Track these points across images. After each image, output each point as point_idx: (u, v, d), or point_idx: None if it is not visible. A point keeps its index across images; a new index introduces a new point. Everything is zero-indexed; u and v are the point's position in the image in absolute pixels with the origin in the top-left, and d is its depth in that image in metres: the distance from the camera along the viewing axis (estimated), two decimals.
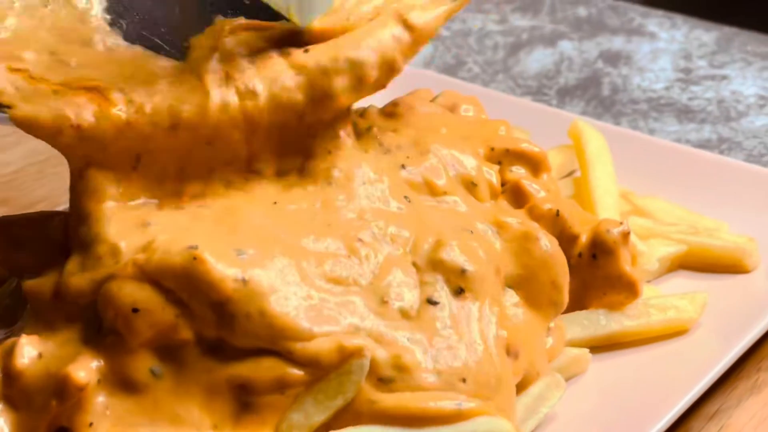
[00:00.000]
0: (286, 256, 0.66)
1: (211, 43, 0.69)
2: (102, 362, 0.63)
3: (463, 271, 0.69)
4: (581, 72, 1.20)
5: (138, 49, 0.70)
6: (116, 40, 0.70)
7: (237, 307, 0.63)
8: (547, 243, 0.73)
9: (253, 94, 0.68)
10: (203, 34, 0.70)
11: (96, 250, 0.65)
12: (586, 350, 0.74)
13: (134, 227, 0.66)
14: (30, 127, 0.64)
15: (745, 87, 1.16)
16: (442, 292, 0.68)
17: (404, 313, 0.67)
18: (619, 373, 0.74)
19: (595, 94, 1.16)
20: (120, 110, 0.65)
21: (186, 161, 0.68)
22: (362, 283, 0.67)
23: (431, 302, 0.68)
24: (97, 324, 0.65)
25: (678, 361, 0.75)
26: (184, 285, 0.64)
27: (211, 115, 0.67)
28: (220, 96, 0.67)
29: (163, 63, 0.69)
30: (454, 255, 0.69)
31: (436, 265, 0.69)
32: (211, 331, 0.64)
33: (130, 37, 0.70)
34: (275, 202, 0.70)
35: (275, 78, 0.68)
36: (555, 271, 0.73)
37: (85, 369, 0.62)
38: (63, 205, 0.87)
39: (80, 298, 0.65)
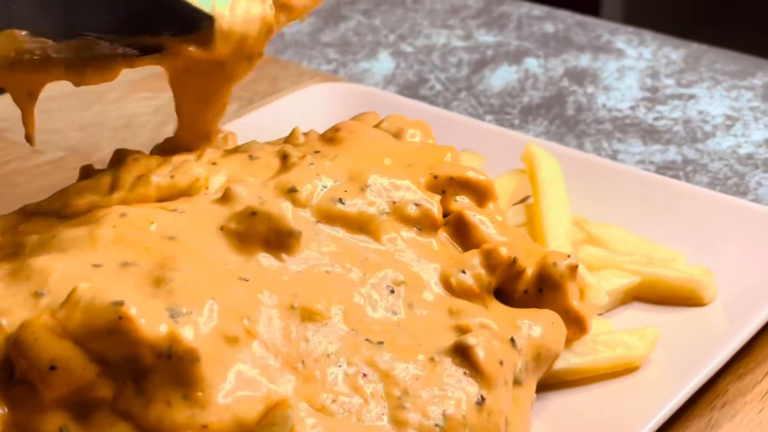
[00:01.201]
0: (240, 338, 0.62)
1: None
2: (7, 411, 0.59)
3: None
4: (546, 90, 1.17)
5: None
6: None
7: (157, 389, 0.59)
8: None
9: None
10: None
11: None
12: None
13: (25, 296, 0.62)
14: None
15: (712, 107, 1.13)
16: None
17: None
18: (565, 413, 0.71)
19: (559, 113, 1.13)
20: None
21: None
22: (383, 422, 0.63)
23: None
24: (10, 369, 0.61)
25: (627, 400, 0.72)
26: (108, 346, 0.59)
27: None
28: None
29: None
30: (481, 357, 0.66)
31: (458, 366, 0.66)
32: (125, 404, 0.60)
33: None
34: (246, 279, 0.65)
35: None
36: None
37: None
38: None
39: None
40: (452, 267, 0.71)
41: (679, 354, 0.75)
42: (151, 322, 0.59)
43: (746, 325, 0.76)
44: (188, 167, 0.72)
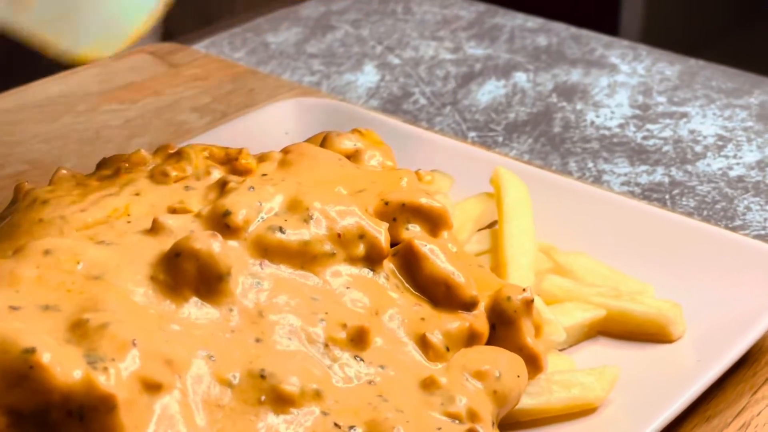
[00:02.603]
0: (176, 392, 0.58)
1: None
2: None
3: None
4: (533, 106, 1.13)
5: None
6: None
7: None
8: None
9: None
10: None
11: None
12: None
13: None
14: None
15: (704, 126, 1.09)
16: None
17: None
18: None
19: (545, 130, 1.09)
20: None
21: None
22: None
23: None
24: None
25: None
26: (19, 397, 0.55)
27: None
28: None
29: None
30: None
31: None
32: None
33: None
34: (213, 357, 0.61)
35: None
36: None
37: None
38: None
39: None
40: (431, 331, 0.67)
41: (642, 394, 0.70)
42: (66, 369, 0.55)
43: (715, 364, 0.72)
44: (104, 203, 0.68)
